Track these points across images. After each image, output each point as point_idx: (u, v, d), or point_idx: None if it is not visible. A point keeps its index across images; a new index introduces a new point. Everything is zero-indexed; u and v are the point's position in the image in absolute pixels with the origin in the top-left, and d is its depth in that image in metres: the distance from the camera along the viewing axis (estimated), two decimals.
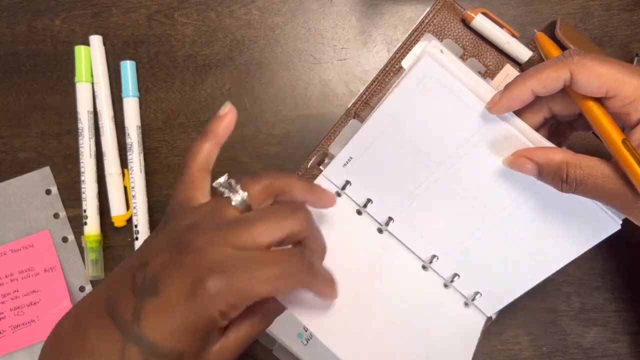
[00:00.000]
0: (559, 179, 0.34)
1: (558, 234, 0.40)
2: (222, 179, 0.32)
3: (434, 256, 0.44)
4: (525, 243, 0.41)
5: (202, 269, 0.27)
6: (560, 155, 0.34)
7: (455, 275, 0.44)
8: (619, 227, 0.37)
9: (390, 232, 0.44)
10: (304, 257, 0.30)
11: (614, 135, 0.32)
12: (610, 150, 0.33)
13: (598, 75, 0.32)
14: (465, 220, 0.42)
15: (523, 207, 0.40)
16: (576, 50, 0.33)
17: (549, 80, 0.33)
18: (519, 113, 0.37)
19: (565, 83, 0.33)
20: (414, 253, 0.44)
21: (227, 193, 0.31)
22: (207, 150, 0.35)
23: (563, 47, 0.42)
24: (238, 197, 0.31)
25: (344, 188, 0.44)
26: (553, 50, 0.36)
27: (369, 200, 0.44)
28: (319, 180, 0.44)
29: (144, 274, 0.28)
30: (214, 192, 0.32)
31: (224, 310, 0.27)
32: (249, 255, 0.28)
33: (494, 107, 0.35)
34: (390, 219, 0.44)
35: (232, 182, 0.32)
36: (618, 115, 0.33)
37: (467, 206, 0.41)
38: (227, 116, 0.35)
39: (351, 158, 0.42)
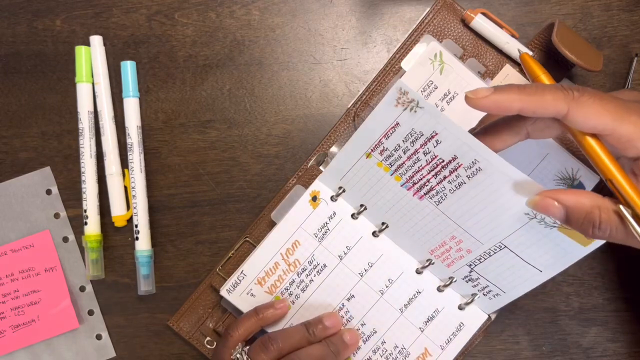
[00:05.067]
0: (590, 224, 0.32)
1: (540, 256, 0.40)
2: (239, 349, 0.41)
3: (429, 260, 0.44)
4: (515, 259, 0.41)
5: None
6: (590, 199, 0.32)
7: (451, 278, 0.44)
8: (586, 253, 0.38)
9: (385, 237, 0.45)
10: None
11: (617, 171, 0.32)
12: (608, 182, 0.32)
13: (596, 114, 0.31)
14: (459, 240, 0.42)
15: (512, 236, 0.39)
16: (576, 86, 0.32)
17: (545, 107, 0.31)
18: (498, 131, 0.36)
19: (557, 115, 0.32)
20: (409, 255, 0.45)
21: None
22: (251, 327, 0.43)
23: (559, 53, 0.42)
24: None
25: (338, 195, 0.44)
26: (539, 72, 0.34)
27: (362, 207, 0.44)
28: (315, 185, 0.44)
29: None
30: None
31: None
32: None
33: (476, 100, 0.33)
34: (384, 224, 0.44)
35: (245, 357, 0.41)
36: (612, 150, 0.32)
37: (460, 232, 0.41)
38: (280, 310, 0.43)
39: (343, 168, 0.42)
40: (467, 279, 0.43)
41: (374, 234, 0.44)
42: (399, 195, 0.41)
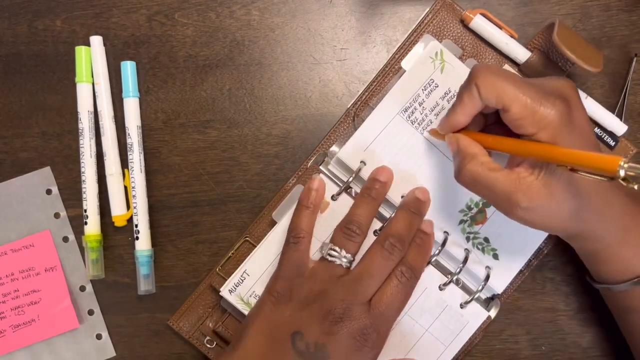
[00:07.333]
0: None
1: None
2: (325, 244, 0.41)
3: (445, 232, 0.44)
4: None
5: (355, 331, 0.38)
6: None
7: (467, 250, 0.44)
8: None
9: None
10: (410, 284, 0.40)
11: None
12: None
13: (495, 88, 0.35)
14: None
15: None
16: (481, 64, 0.36)
17: (471, 105, 0.37)
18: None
19: (482, 106, 0.37)
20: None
21: (335, 260, 0.40)
22: (312, 221, 0.42)
23: (558, 53, 0.42)
24: (344, 260, 0.40)
25: (358, 172, 0.44)
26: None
27: None
28: (333, 165, 0.45)
29: (305, 344, 0.38)
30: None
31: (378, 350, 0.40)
32: (382, 310, 0.39)
33: (437, 136, 0.42)
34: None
35: (336, 248, 0.40)
36: (512, 127, 0.36)
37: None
38: (320, 189, 0.43)
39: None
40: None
41: None
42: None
